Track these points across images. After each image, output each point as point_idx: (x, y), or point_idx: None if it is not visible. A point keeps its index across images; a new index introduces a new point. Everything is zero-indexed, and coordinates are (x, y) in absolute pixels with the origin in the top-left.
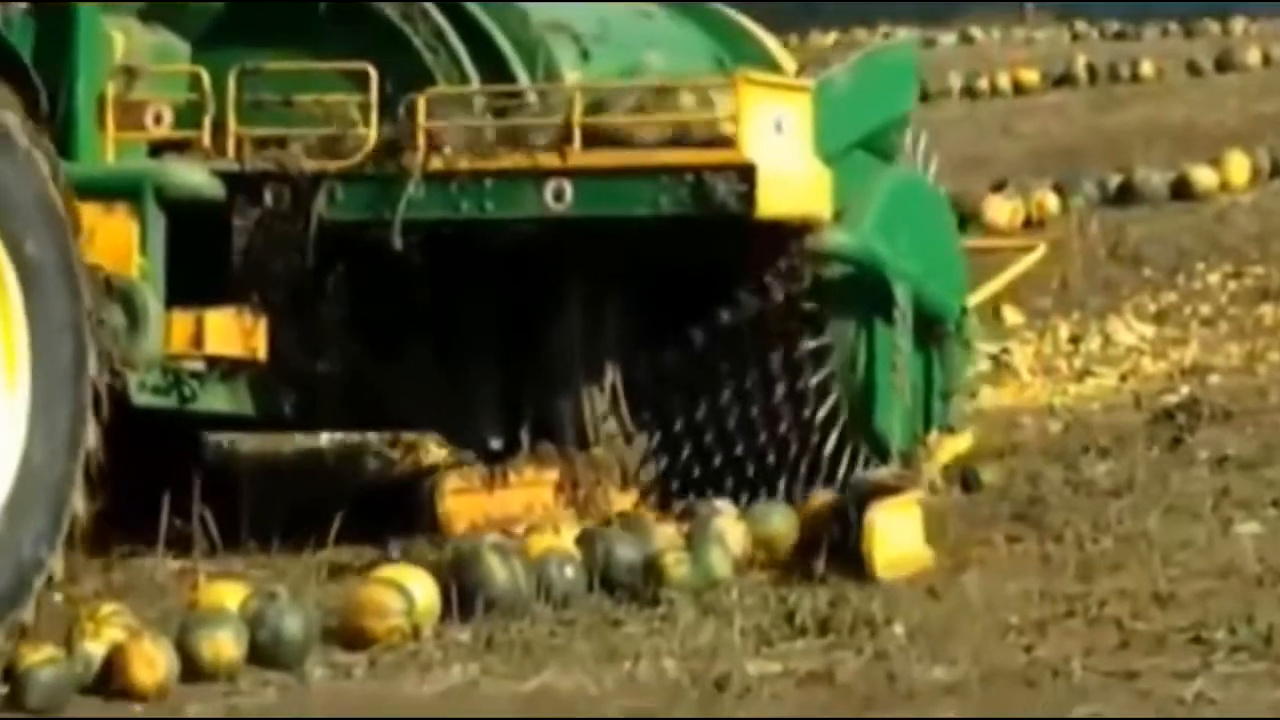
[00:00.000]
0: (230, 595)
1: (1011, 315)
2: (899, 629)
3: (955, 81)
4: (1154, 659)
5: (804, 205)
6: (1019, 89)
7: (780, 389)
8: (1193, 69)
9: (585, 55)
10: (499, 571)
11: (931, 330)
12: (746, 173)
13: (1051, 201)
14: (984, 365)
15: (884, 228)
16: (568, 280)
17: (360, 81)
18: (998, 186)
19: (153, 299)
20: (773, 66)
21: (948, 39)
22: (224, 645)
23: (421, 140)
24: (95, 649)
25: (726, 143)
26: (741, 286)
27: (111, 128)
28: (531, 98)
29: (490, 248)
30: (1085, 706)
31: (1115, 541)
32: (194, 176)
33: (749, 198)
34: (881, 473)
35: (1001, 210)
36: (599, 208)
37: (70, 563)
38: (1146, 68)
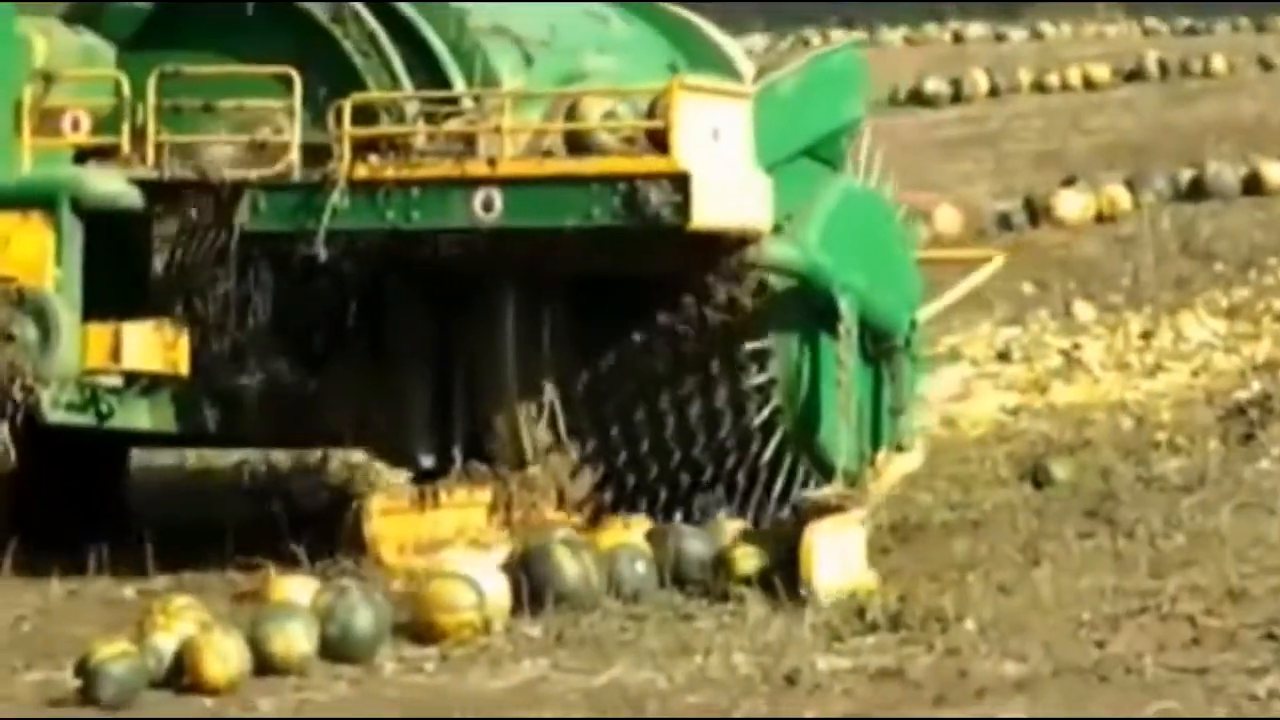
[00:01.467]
0: (301, 590)
1: (1083, 311)
2: (970, 624)
3: (1025, 77)
4: (1226, 655)
5: (743, 216)
6: (1089, 84)
7: (720, 392)
8: (1264, 64)
9: (528, 60)
10: (569, 566)
11: (880, 345)
12: (680, 182)
13: (1122, 197)
14: (1055, 361)
15: (829, 239)
16: (501, 290)
17: (287, 86)
18: (1068, 182)
19: (67, 311)
20: (730, 71)
21: (1018, 34)
22: (295, 640)
23: (346, 148)
24: (167, 643)
25: (660, 151)
26: (681, 289)
27: (28, 134)
28: (467, 104)
29: (420, 257)
30: (1157, 703)
31: (1187, 537)
32: (111, 185)
33: (683, 208)
34: (824, 492)
35: (1073, 205)
36: (529, 218)
37: (139, 558)
38: (1218, 62)
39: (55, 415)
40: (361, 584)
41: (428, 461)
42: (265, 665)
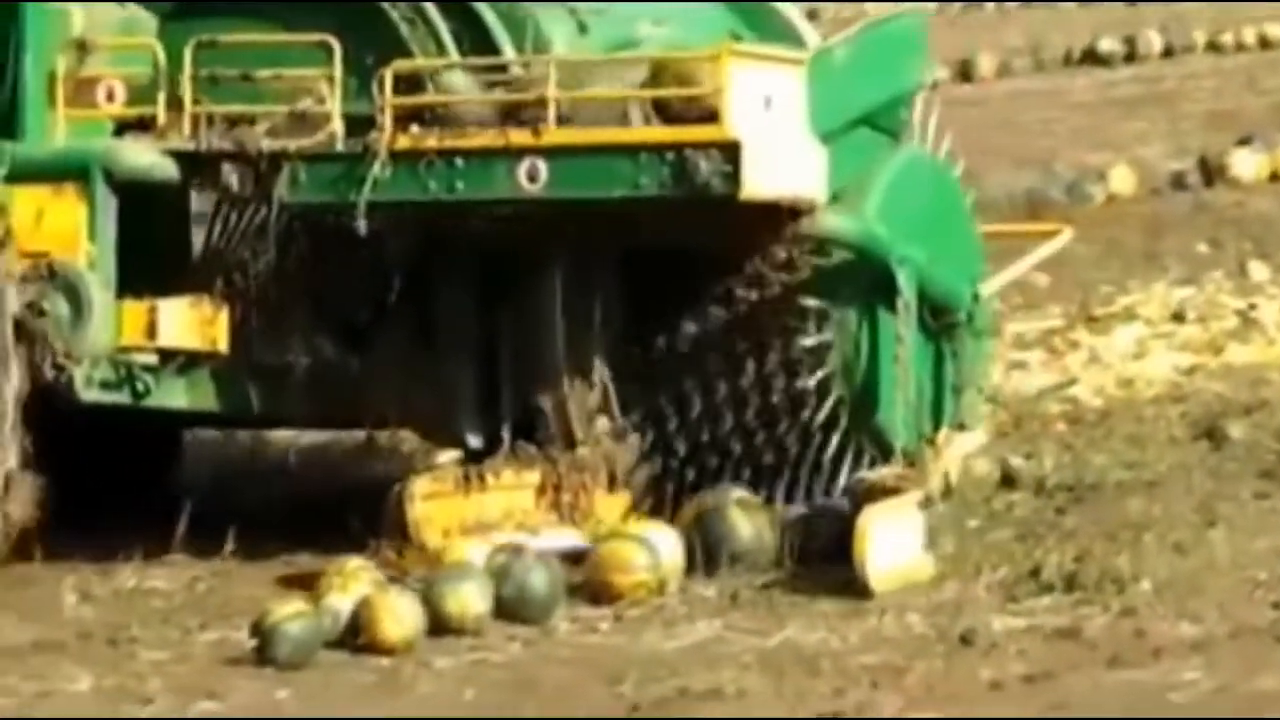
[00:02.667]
0: (476, 550)
1: (1258, 270)
2: (1146, 585)
3: (1200, 36)
4: None
5: (796, 186)
6: (1265, 44)
7: (778, 388)
8: None
9: (582, 28)
10: (744, 527)
11: (941, 320)
12: (731, 151)
13: None
14: (1230, 321)
15: (887, 210)
16: (550, 265)
17: (328, 55)
18: (1243, 141)
19: (100, 288)
20: (795, 41)
21: None
22: (470, 600)
23: (388, 117)
24: (343, 603)
25: (710, 119)
26: (736, 279)
27: (61, 105)
28: (516, 72)
29: (465, 230)
30: None
31: None
32: (146, 157)
33: (734, 178)
34: (882, 473)
35: (1247, 165)
36: (575, 189)
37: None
38: None
39: (89, 394)
40: None
41: (476, 442)
42: (440, 625)
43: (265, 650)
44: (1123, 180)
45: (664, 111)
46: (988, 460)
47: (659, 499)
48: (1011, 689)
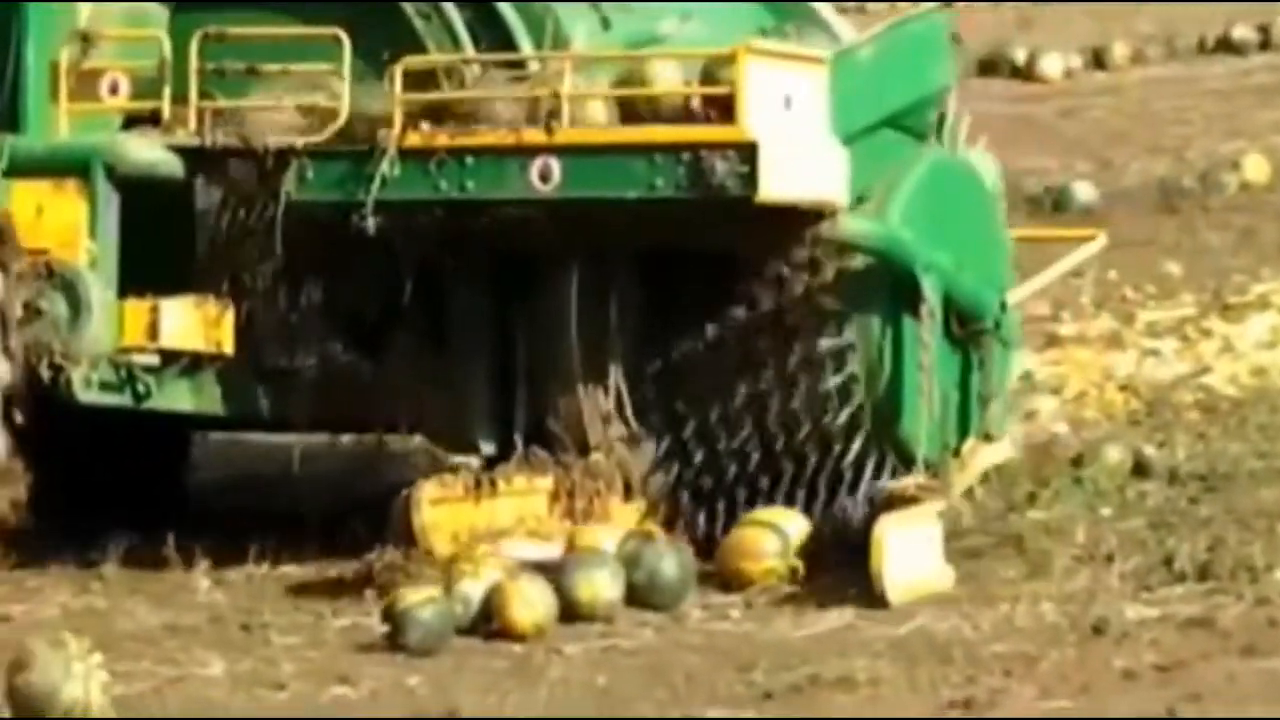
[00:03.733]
0: (607, 537)
1: None
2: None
3: None
4: None
5: (816, 188)
6: None
7: (798, 392)
8: None
9: (606, 24)
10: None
11: (967, 328)
12: (748, 152)
13: None
14: None
15: (912, 214)
16: (565, 268)
17: (339, 48)
18: None
19: (100, 286)
20: (830, 38)
21: None
22: (602, 586)
23: (398, 114)
24: (474, 589)
25: (727, 119)
26: (756, 279)
27: (64, 98)
28: (534, 67)
29: (478, 231)
30: None
31: None
32: (150, 153)
33: (751, 179)
34: (904, 482)
35: None
36: (589, 189)
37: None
38: None
39: (87, 395)
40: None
41: (488, 448)
42: (572, 611)
43: (397, 636)
44: (1256, 169)
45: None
46: (1120, 449)
47: (675, 507)
48: (1145, 678)
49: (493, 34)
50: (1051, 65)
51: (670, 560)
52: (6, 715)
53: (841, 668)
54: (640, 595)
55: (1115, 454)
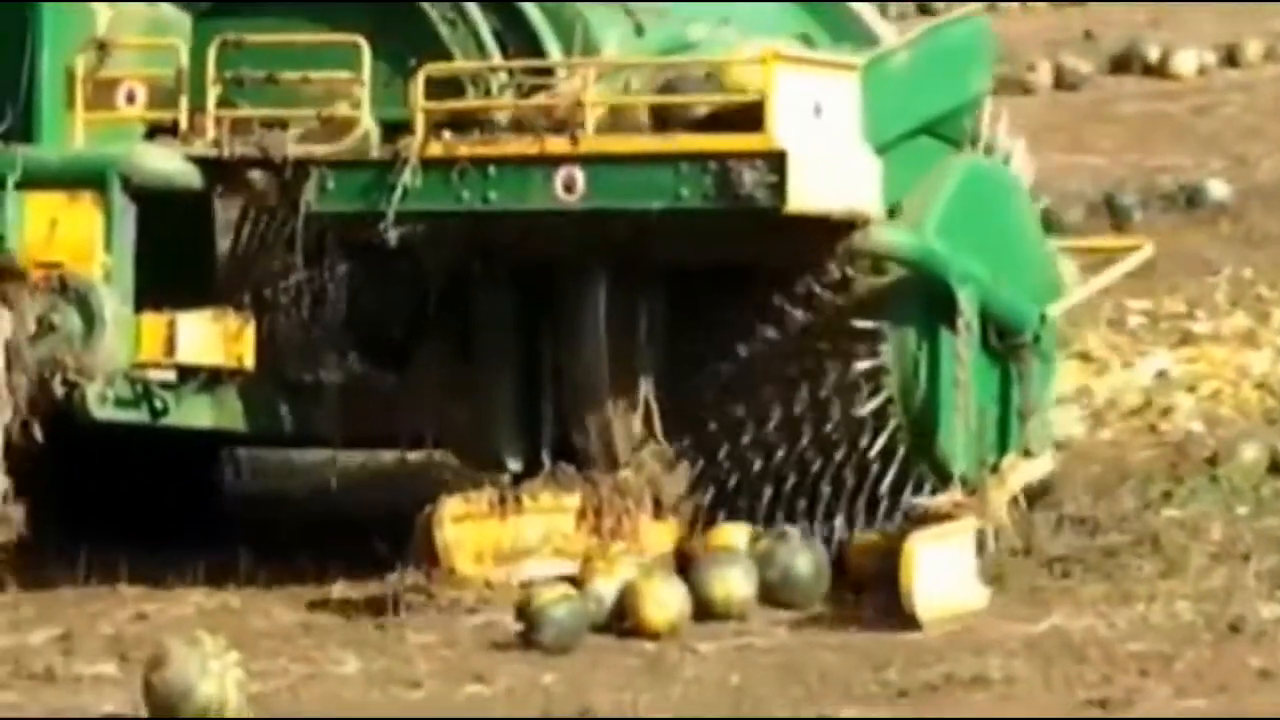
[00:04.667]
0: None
1: None
2: None
3: None
4: None
5: (848, 198)
6: None
7: (833, 415)
8: None
9: (639, 30)
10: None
11: (1006, 341)
12: (776, 161)
13: None
14: None
15: (948, 224)
16: (592, 280)
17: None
18: None
19: (115, 301)
20: (870, 43)
21: None
22: (735, 584)
23: (420, 123)
24: (607, 588)
25: (755, 127)
26: (786, 296)
27: (80, 108)
28: (562, 75)
29: (502, 243)
30: None
31: None
32: (166, 163)
33: (779, 189)
34: (938, 499)
35: None
36: (614, 200)
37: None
38: None
39: (102, 411)
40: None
41: (515, 464)
42: (705, 610)
43: (531, 634)
44: None
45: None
46: (1256, 447)
47: (710, 528)
48: None
49: (520, 39)
50: (1185, 62)
51: (804, 558)
52: (143, 713)
53: (976, 666)
54: (773, 593)
55: (1251, 452)
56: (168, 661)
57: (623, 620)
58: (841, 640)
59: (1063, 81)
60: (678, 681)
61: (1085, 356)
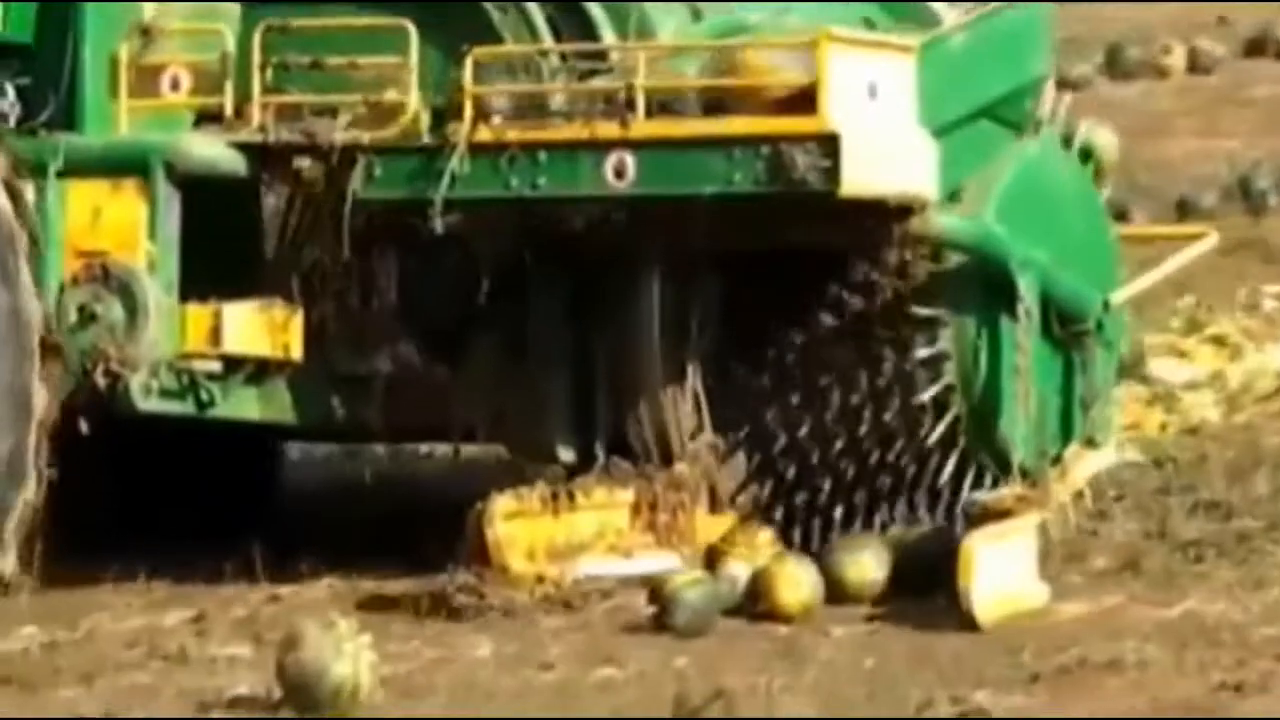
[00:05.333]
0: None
1: None
2: None
3: None
4: None
5: (903, 182)
6: None
7: (892, 404)
8: None
9: (696, 15)
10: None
11: (1068, 329)
12: (829, 144)
13: None
14: None
15: (1008, 210)
16: (645, 269)
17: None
18: None
19: (158, 290)
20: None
21: None
22: (868, 568)
23: (469, 108)
24: (740, 570)
25: (808, 110)
26: (843, 283)
27: (125, 94)
28: (615, 57)
29: (553, 231)
30: None
31: None
32: (211, 150)
33: (833, 173)
34: (998, 493)
35: None
36: (665, 185)
37: None
38: None
39: (148, 403)
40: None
41: (568, 457)
42: (838, 593)
43: (664, 617)
44: None
45: None
46: None
47: (768, 522)
48: None
49: (575, 28)
50: None
51: (935, 542)
52: (277, 694)
53: (1110, 650)
54: (906, 577)
55: None
56: (302, 643)
57: (756, 603)
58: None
59: (1197, 65)
60: (811, 664)
61: (1220, 341)
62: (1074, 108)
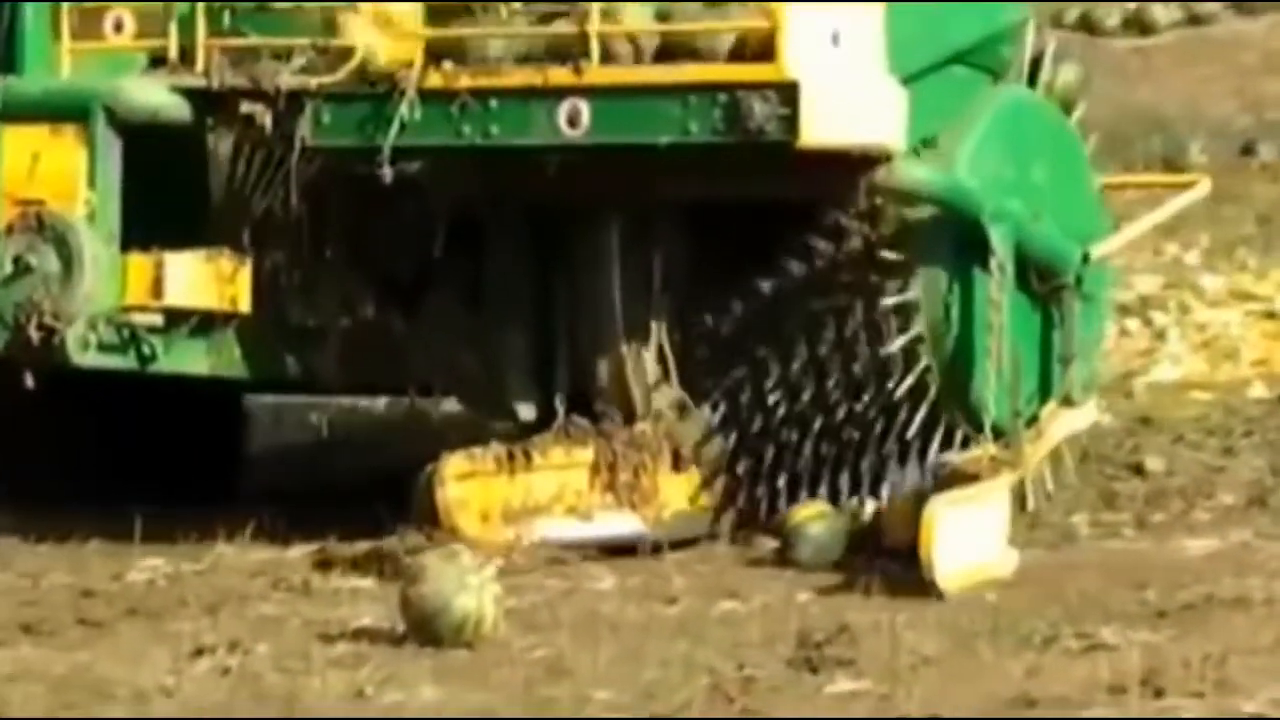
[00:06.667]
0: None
1: None
2: None
3: None
4: None
5: (868, 132)
6: None
7: (860, 354)
8: None
9: None
10: None
11: (1046, 283)
12: (788, 92)
13: None
14: None
15: (981, 160)
16: (605, 221)
17: None
18: None
19: (96, 240)
20: None
21: None
22: None
23: (419, 53)
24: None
25: (766, 57)
26: (811, 230)
27: (66, 37)
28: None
29: (508, 179)
30: None
31: None
32: (153, 95)
33: (791, 121)
34: (969, 455)
35: None
36: (620, 134)
37: None
38: None
39: (84, 357)
40: None
41: (527, 414)
42: None
43: (788, 551)
44: None
45: None
46: None
47: (732, 479)
48: None
49: None
50: None
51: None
52: (400, 627)
53: (1237, 587)
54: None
55: None
56: (425, 576)
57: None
58: (1100, 559)
59: None
60: (935, 600)
61: None
62: (1199, 43)
